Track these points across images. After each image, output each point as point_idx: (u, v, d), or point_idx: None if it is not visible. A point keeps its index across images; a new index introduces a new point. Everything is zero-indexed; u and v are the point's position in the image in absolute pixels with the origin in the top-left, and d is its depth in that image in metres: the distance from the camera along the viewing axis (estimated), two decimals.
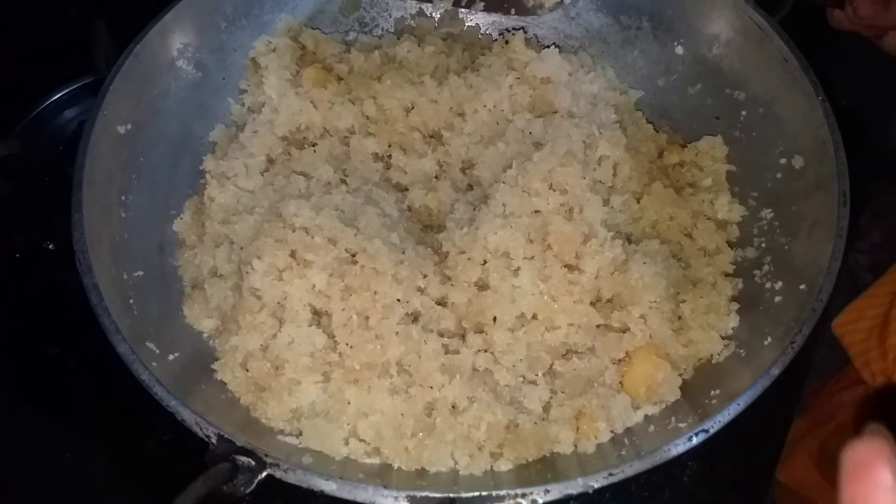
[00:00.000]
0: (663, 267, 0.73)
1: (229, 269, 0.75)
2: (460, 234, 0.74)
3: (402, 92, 0.84)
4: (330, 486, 0.57)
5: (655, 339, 0.71)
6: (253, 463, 0.57)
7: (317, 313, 0.71)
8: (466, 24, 0.95)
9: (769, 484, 0.82)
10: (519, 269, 0.71)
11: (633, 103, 0.90)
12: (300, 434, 0.67)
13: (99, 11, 0.95)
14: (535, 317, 0.71)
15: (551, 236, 0.72)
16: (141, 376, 0.61)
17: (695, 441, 0.59)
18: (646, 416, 0.69)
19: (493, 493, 0.58)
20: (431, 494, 0.57)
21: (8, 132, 0.92)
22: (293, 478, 0.58)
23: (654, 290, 0.71)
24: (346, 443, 0.67)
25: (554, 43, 0.94)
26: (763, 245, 0.77)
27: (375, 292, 0.69)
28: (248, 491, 0.56)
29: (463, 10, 0.92)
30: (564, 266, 0.72)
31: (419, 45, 0.90)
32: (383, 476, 0.64)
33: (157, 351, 0.67)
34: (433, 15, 0.95)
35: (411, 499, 0.57)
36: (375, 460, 0.66)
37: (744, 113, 0.83)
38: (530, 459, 0.66)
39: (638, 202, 0.80)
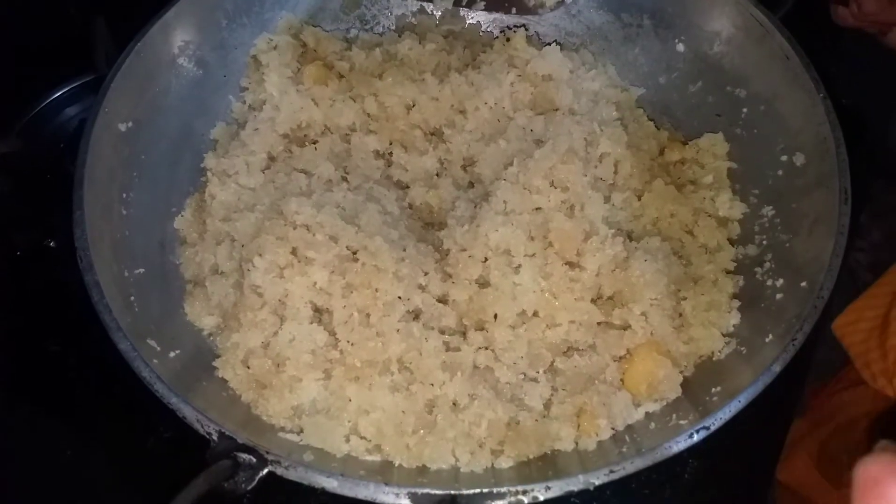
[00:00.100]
0: (664, 264, 0.73)
1: (230, 266, 0.75)
2: (461, 232, 0.74)
3: (403, 89, 0.84)
4: (331, 484, 0.57)
5: (656, 337, 0.71)
6: (254, 460, 0.57)
7: (318, 310, 0.71)
8: (467, 22, 0.95)
9: (770, 482, 0.82)
10: (520, 266, 0.71)
11: (634, 101, 0.90)
12: (301, 431, 0.67)
13: (99, 9, 0.95)
14: (536, 314, 0.71)
15: (552, 233, 0.72)
16: (142, 373, 0.61)
17: (696, 438, 0.59)
18: (647, 413, 0.69)
19: (494, 490, 0.58)
20: (432, 491, 0.57)
21: (9, 130, 0.92)
22: (294, 475, 0.58)
23: (655, 287, 0.71)
24: (347, 440, 0.67)
25: (555, 40, 0.94)
26: (764, 242, 0.77)
27: (376, 290, 0.69)
28: (250, 488, 0.56)
29: (464, 8, 0.92)
30: (565, 263, 0.72)
31: (420, 43, 0.90)
32: (384, 473, 0.64)
33: (158, 348, 0.67)
34: (434, 12, 0.95)
35: (412, 496, 0.57)
36: (376, 457, 0.66)
37: (745, 110, 0.83)
38: (531, 457, 0.66)
39: (639, 199, 0.80)
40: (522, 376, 0.71)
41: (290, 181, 0.80)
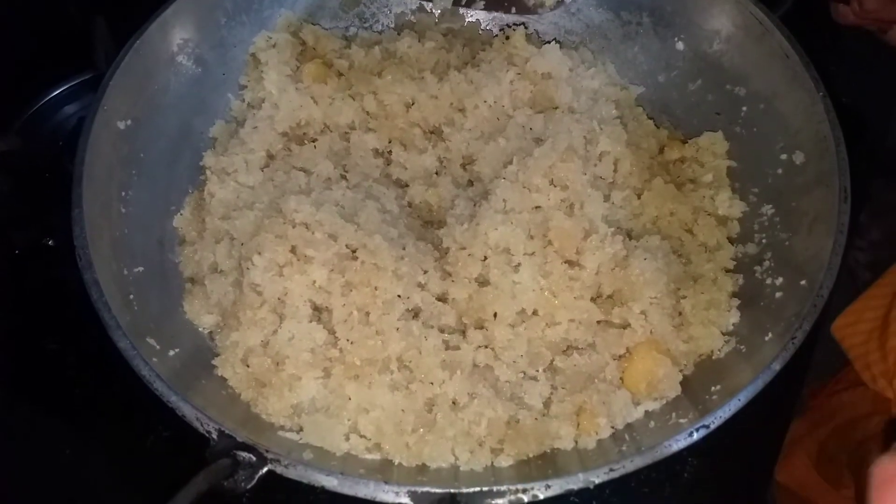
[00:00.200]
0: (664, 263, 0.73)
1: (229, 264, 0.75)
2: (461, 230, 0.73)
3: (402, 87, 0.84)
4: (331, 482, 0.57)
5: (656, 335, 0.71)
6: (254, 458, 0.57)
7: (317, 309, 0.71)
8: (467, 20, 0.95)
9: (769, 481, 0.82)
10: (519, 264, 0.71)
11: (633, 99, 0.90)
12: (301, 430, 0.67)
13: (98, 7, 0.95)
14: (535, 313, 0.71)
15: (552, 232, 0.72)
16: (141, 372, 0.61)
17: (695, 437, 0.59)
18: (646, 411, 0.69)
19: (494, 488, 0.58)
20: (432, 490, 0.57)
21: (7, 128, 0.92)
22: (294, 473, 0.58)
23: (655, 285, 0.71)
24: (347, 438, 0.67)
25: (555, 38, 0.94)
26: (764, 241, 0.77)
27: (376, 288, 0.69)
28: (249, 486, 0.56)
29: (463, 7, 0.92)
30: (565, 262, 0.72)
31: (419, 41, 0.89)
32: (384, 472, 0.64)
33: (158, 347, 0.67)
34: (433, 11, 0.94)
35: (412, 494, 0.57)
36: (376, 456, 0.66)
37: (744, 109, 0.83)
38: (531, 455, 0.66)
39: (639, 198, 0.80)
40: (522, 375, 0.71)
41: (290, 179, 0.80)
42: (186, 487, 0.53)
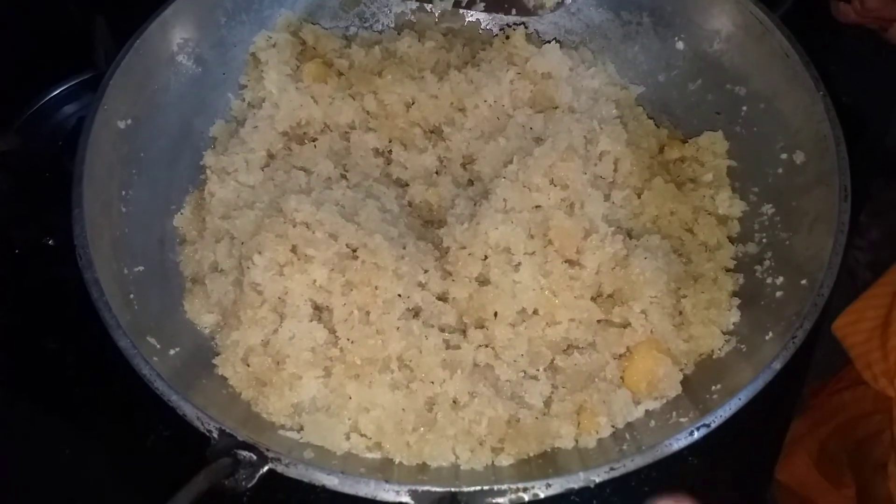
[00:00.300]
0: (664, 262, 0.73)
1: (230, 264, 0.75)
2: (461, 230, 0.73)
3: (402, 87, 0.84)
4: (332, 481, 0.57)
5: (656, 335, 0.71)
6: (254, 457, 0.57)
7: (318, 308, 0.71)
8: (467, 20, 0.95)
9: (770, 480, 0.82)
10: (520, 264, 0.71)
11: (633, 99, 0.90)
12: (301, 429, 0.67)
13: (98, 7, 0.95)
14: (535, 312, 0.71)
15: (552, 231, 0.72)
16: (142, 371, 0.61)
17: (696, 436, 0.59)
18: (647, 410, 0.69)
19: (495, 487, 0.58)
20: (433, 489, 0.57)
21: (7, 127, 0.92)
22: (294, 472, 0.57)
23: (655, 285, 0.71)
24: (348, 437, 0.67)
25: (555, 38, 0.94)
26: (764, 240, 0.77)
27: (376, 287, 0.69)
28: (250, 485, 0.56)
29: (463, 8, 0.92)
30: (565, 261, 0.72)
31: (419, 41, 0.89)
32: (385, 471, 0.64)
33: (158, 346, 0.67)
34: (433, 11, 0.94)
35: (413, 493, 0.57)
36: (377, 455, 0.66)
37: (745, 108, 0.83)
38: (531, 454, 0.66)
39: (639, 197, 0.80)
40: (523, 374, 0.71)
41: (290, 179, 0.80)
42: (187, 486, 0.52)
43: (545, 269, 0.71)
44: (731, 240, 0.79)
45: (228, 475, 0.56)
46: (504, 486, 0.57)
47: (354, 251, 0.71)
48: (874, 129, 0.94)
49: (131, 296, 0.70)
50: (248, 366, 0.69)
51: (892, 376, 0.75)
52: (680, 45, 0.88)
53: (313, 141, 0.85)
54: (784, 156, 0.77)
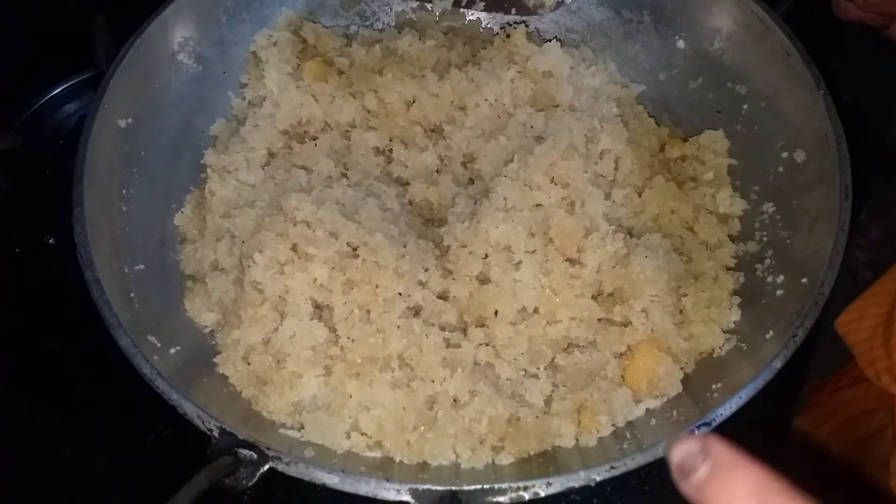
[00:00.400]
0: (665, 261, 0.73)
1: (230, 262, 0.75)
2: (461, 228, 0.73)
3: (403, 86, 0.84)
4: (332, 480, 0.57)
5: (657, 333, 0.71)
6: (255, 456, 0.57)
7: (318, 307, 0.71)
8: (467, 18, 0.95)
9: None
10: (520, 262, 0.71)
11: (634, 97, 0.90)
12: (302, 427, 0.67)
13: (99, 5, 0.95)
14: (536, 310, 0.71)
15: (553, 230, 0.72)
16: (143, 370, 0.61)
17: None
18: (647, 409, 0.69)
19: (495, 486, 0.58)
20: (433, 487, 0.57)
21: (8, 126, 0.92)
22: (295, 471, 0.58)
23: (656, 283, 0.71)
24: (348, 436, 0.67)
25: (555, 37, 0.94)
26: (765, 239, 0.77)
27: (377, 286, 0.69)
28: (250, 484, 0.56)
29: (463, 8, 0.92)
30: (566, 260, 0.72)
31: (420, 39, 0.89)
32: (385, 469, 0.64)
33: (159, 345, 0.67)
34: (434, 9, 0.94)
35: (413, 492, 0.57)
36: (377, 454, 0.66)
37: (745, 107, 0.83)
38: (532, 453, 0.66)
39: (639, 196, 0.80)
40: (523, 373, 0.71)
41: (290, 177, 0.80)
42: (188, 485, 0.52)
43: (546, 268, 0.71)
44: (732, 238, 0.79)
45: (229, 474, 0.56)
46: (504, 485, 0.57)
47: (355, 250, 0.71)
48: (875, 127, 0.93)
49: (132, 294, 0.70)
50: (249, 364, 0.69)
51: (894, 373, 0.75)
52: (681, 43, 0.88)
53: (314, 139, 0.85)
54: (785, 154, 0.77)
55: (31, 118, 0.93)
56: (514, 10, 0.87)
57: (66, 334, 0.81)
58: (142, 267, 0.73)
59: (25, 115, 0.93)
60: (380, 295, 0.69)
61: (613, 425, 0.68)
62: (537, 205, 0.74)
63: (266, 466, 0.57)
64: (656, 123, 0.88)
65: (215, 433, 0.58)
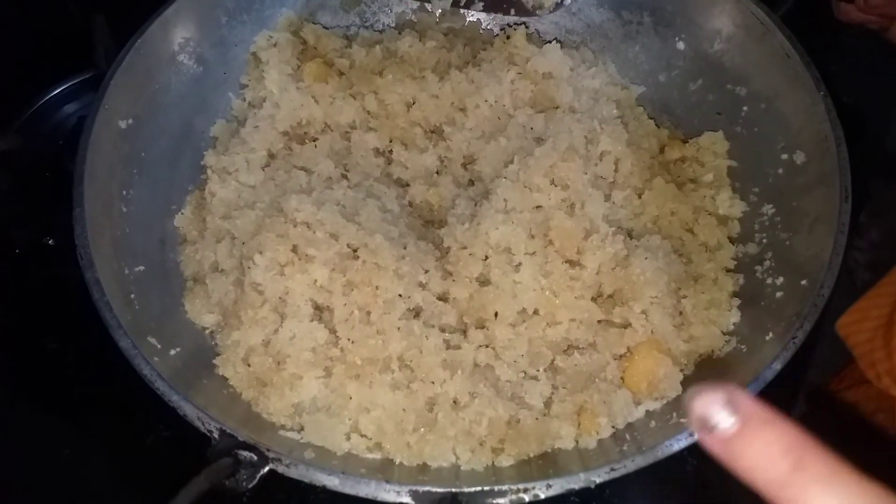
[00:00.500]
0: (664, 262, 0.73)
1: (230, 264, 0.75)
2: (461, 230, 0.73)
3: (403, 87, 0.84)
4: (332, 481, 0.57)
5: (657, 335, 0.71)
6: (255, 458, 0.57)
7: (318, 308, 0.71)
8: (468, 20, 0.95)
9: None
10: (520, 264, 0.71)
11: (634, 99, 0.90)
12: (302, 429, 0.67)
13: (99, 6, 0.95)
14: (536, 312, 0.71)
15: (553, 231, 0.72)
16: (143, 371, 0.61)
17: (696, 436, 0.59)
18: (647, 411, 0.69)
19: (495, 487, 0.58)
20: (433, 489, 0.57)
21: (8, 127, 0.92)
22: (295, 473, 0.58)
23: (656, 285, 0.71)
24: (348, 438, 0.67)
25: (555, 38, 0.94)
26: (764, 240, 0.77)
27: (377, 287, 0.69)
28: (251, 486, 0.56)
29: (462, 8, 0.92)
30: (566, 261, 0.72)
31: (420, 40, 0.89)
32: (385, 471, 0.64)
33: (159, 346, 0.67)
34: (433, 10, 0.94)
35: (413, 493, 0.57)
36: (377, 455, 0.66)
37: (745, 108, 0.83)
38: (532, 455, 0.66)
39: (639, 197, 0.80)
40: (523, 374, 0.71)
41: (291, 179, 0.80)
42: (188, 487, 0.52)
43: (546, 270, 0.71)
44: (732, 240, 0.79)
45: (229, 475, 0.56)
46: (504, 487, 0.57)
47: (355, 251, 0.71)
48: (875, 129, 0.93)
49: (132, 296, 0.70)
50: (249, 366, 0.69)
51: (895, 375, 0.75)
52: (680, 45, 0.88)
53: (314, 141, 0.85)
54: (784, 156, 0.77)
55: (31, 119, 0.93)
56: (513, 11, 0.87)
57: (66, 335, 0.81)
58: (142, 268, 0.73)
59: (25, 116, 0.93)
60: (380, 296, 0.69)
61: (613, 427, 0.68)
62: (537, 206, 0.74)
63: (266, 468, 0.57)
64: (656, 125, 0.88)
65: (215, 435, 0.58)
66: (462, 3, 0.89)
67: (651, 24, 0.90)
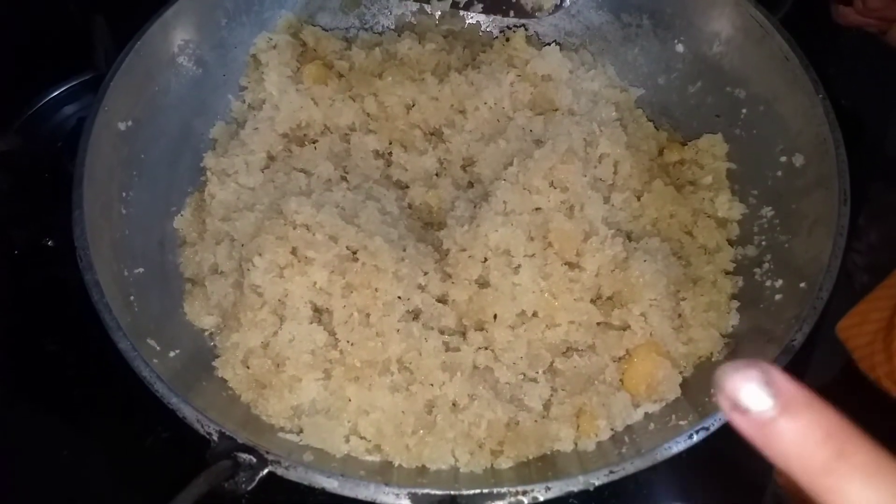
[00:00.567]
0: (664, 265, 0.73)
1: (230, 266, 0.75)
2: (461, 232, 0.74)
3: (402, 89, 0.84)
4: (331, 484, 0.57)
5: (656, 337, 0.71)
6: (254, 460, 0.57)
7: (318, 310, 0.71)
8: (467, 22, 0.95)
9: (769, 483, 0.82)
10: (519, 266, 0.71)
11: (633, 101, 0.90)
12: (301, 431, 0.67)
13: (98, 7, 0.95)
14: (535, 314, 0.71)
15: (552, 234, 0.72)
16: (142, 373, 0.61)
17: (695, 439, 0.59)
18: (646, 413, 0.69)
19: (494, 490, 0.58)
20: (432, 492, 0.57)
21: (7, 127, 0.92)
22: (294, 475, 0.58)
23: (655, 287, 0.72)
24: (347, 440, 0.67)
25: (555, 40, 0.94)
26: (763, 243, 0.77)
27: (376, 289, 0.69)
28: (250, 488, 0.56)
29: (462, 10, 0.92)
30: (565, 264, 0.72)
31: (420, 43, 0.89)
32: (384, 473, 0.64)
33: (158, 348, 0.67)
34: (432, 12, 0.95)
35: (412, 496, 0.57)
36: (376, 458, 0.66)
37: (744, 111, 0.83)
38: (531, 457, 0.67)
39: (638, 200, 0.80)
40: (522, 377, 0.71)
41: (290, 181, 0.80)
42: (187, 489, 0.52)
43: (545, 272, 0.72)
44: (731, 242, 0.79)
45: (228, 478, 0.56)
46: (503, 489, 0.57)
47: (354, 253, 0.71)
48: (873, 132, 0.93)
49: (131, 298, 0.70)
50: (248, 368, 0.69)
51: (895, 378, 0.75)
52: (680, 47, 0.88)
53: (313, 143, 0.85)
54: (783, 159, 0.77)
55: (31, 119, 0.93)
56: (512, 14, 0.88)
57: (66, 336, 0.81)
58: (141, 270, 0.73)
59: (25, 117, 0.93)
60: (379, 298, 0.69)
61: (612, 430, 0.68)
62: (536, 209, 0.74)
63: (265, 470, 0.57)
64: (655, 127, 0.88)
65: (214, 437, 0.58)
66: (461, 5, 0.89)
67: (650, 26, 0.90)
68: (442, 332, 0.71)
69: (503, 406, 0.67)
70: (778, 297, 0.71)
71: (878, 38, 0.82)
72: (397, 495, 0.57)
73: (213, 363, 0.71)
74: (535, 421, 0.68)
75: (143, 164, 0.78)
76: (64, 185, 0.69)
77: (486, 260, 0.72)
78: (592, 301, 0.73)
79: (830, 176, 0.71)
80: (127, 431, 0.76)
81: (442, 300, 0.73)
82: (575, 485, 0.57)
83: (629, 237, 0.77)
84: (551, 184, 0.75)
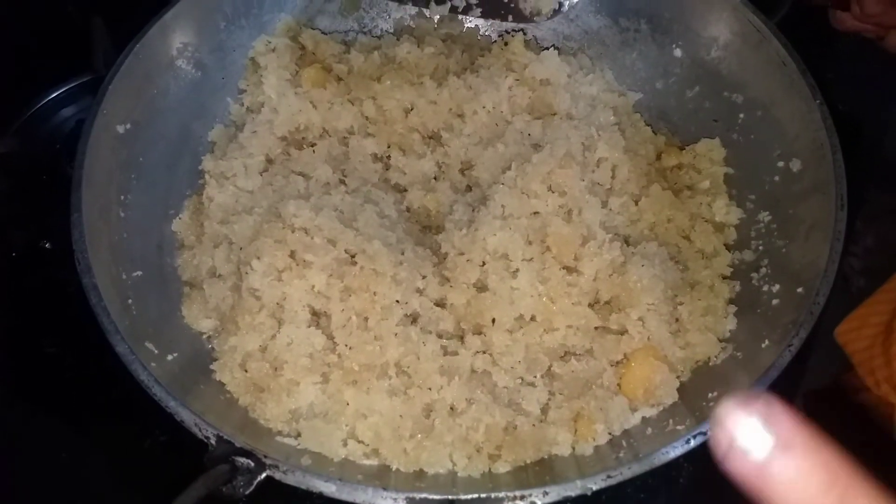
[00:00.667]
0: (661, 269, 0.74)
1: (228, 269, 0.75)
2: (459, 236, 0.74)
3: (401, 93, 0.84)
4: (329, 488, 0.57)
5: (653, 342, 0.71)
6: (252, 464, 0.57)
7: (316, 314, 0.71)
8: (466, 26, 0.95)
9: None
10: (518, 270, 0.71)
11: (631, 105, 0.90)
12: (299, 435, 0.67)
13: (97, 9, 0.95)
14: (533, 318, 0.72)
15: (550, 238, 0.72)
16: (140, 376, 0.61)
17: (692, 444, 0.59)
18: (643, 418, 0.69)
19: (492, 494, 0.58)
20: (430, 496, 0.57)
21: (5, 130, 0.92)
22: (292, 479, 0.57)
23: (652, 292, 0.72)
24: (345, 444, 0.67)
25: (553, 45, 0.94)
26: (760, 248, 0.77)
27: (374, 293, 0.69)
28: (247, 492, 0.56)
29: (461, 14, 0.92)
30: (563, 268, 0.72)
31: (419, 46, 0.90)
32: (382, 477, 0.64)
33: (156, 351, 0.67)
34: (431, 16, 0.95)
35: (410, 500, 0.57)
36: (374, 462, 0.66)
37: (742, 116, 0.83)
38: (528, 461, 0.67)
39: (636, 204, 0.80)
40: (520, 381, 0.71)
41: (288, 184, 0.80)
42: (185, 493, 0.52)
43: (543, 276, 0.72)
44: (728, 247, 0.79)
45: (226, 482, 0.56)
46: (501, 494, 0.57)
47: (353, 257, 0.71)
48: (870, 137, 0.94)
49: (129, 301, 0.70)
50: (246, 371, 0.69)
51: (894, 382, 0.75)
52: (677, 52, 0.89)
53: (312, 146, 0.85)
54: (781, 163, 0.77)
55: (29, 121, 0.93)
56: (511, 18, 0.88)
57: (64, 338, 0.81)
58: (139, 273, 0.73)
59: (23, 119, 0.93)
60: (377, 302, 0.69)
61: (610, 434, 0.68)
62: (534, 213, 0.74)
63: (263, 474, 0.57)
64: (653, 132, 0.88)
65: (212, 441, 0.58)
66: (460, 9, 0.89)
67: (648, 31, 0.90)
68: (440, 336, 0.71)
69: (501, 410, 0.67)
70: (775, 301, 0.71)
71: (876, 43, 0.83)
72: (395, 499, 0.57)
73: (211, 367, 0.71)
74: (533, 425, 0.68)
75: (142, 167, 0.78)
76: (62, 188, 0.69)
77: (484, 264, 0.72)
78: (590, 305, 0.73)
79: (827, 181, 0.71)
80: (125, 434, 0.76)
81: (440, 304, 0.73)
82: (572, 489, 0.57)
83: (627, 241, 0.77)
84: (549, 188, 0.75)
